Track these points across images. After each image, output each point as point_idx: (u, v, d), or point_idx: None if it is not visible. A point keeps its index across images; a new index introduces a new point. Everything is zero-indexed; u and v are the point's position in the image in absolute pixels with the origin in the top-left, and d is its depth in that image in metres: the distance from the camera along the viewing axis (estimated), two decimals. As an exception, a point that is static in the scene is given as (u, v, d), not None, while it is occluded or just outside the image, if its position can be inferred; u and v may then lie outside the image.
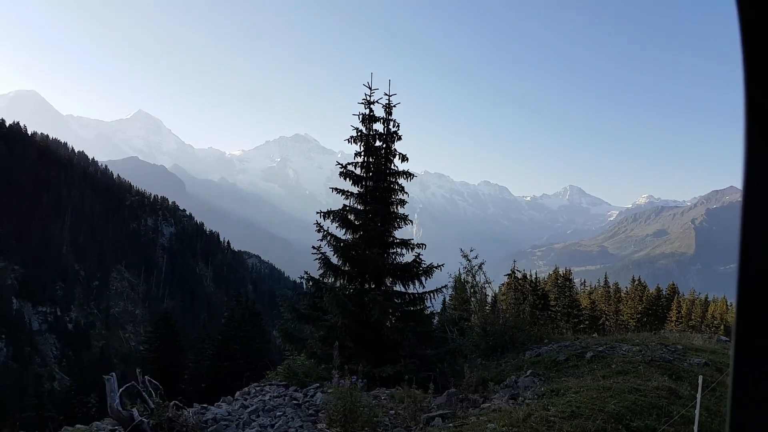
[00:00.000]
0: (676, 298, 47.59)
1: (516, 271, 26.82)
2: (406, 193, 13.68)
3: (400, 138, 13.63)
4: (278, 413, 7.97)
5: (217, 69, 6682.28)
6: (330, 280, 13.23)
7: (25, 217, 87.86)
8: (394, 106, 13.62)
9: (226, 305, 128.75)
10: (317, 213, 13.38)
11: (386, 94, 13.51)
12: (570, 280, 39.54)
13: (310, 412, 8.15)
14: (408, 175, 13.66)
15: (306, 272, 13.69)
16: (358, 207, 13.51)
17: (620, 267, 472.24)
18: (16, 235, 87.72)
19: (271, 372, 13.81)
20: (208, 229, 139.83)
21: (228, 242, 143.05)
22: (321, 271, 13.25)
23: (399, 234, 13.88)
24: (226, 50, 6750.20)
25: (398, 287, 13.48)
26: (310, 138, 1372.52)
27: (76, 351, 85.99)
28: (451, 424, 6.42)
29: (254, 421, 7.54)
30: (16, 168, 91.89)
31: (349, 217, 13.47)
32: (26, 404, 56.57)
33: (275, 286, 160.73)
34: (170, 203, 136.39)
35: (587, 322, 36.25)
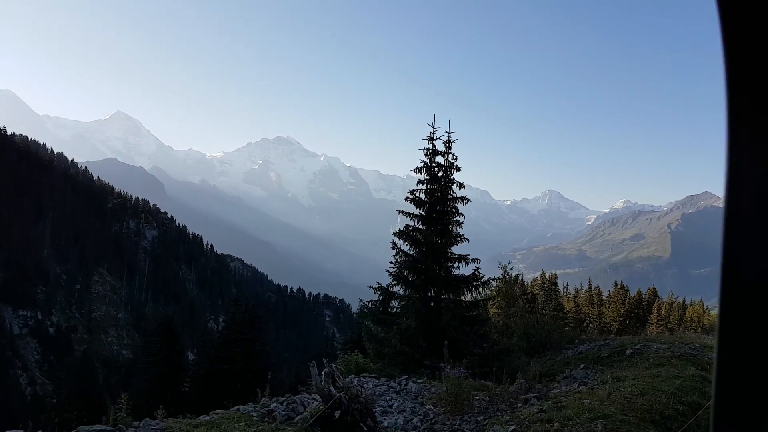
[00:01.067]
0: (656, 301, 49.25)
1: (506, 275, 28.12)
2: (462, 215, 16.00)
3: (458, 169, 15.87)
4: (387, 398, 9.39)
5: (198, 70, 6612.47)
6: (401, 290, 15.43)
7: (6, 220, 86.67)
8: (453, 142, 15.77)
9: (210, 309, 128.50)
10: (393, 234, 15.81)
11: (446, 132, 15.74)
12: (555, 284, 40.96)
13: (411, 397, 9.57)
14: (464, 200, 15.99)
15: (378, 282, 15.83)
16: (421, 227, 15.69)
17: (598, 270, 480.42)
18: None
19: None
20: (191, 233, 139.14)
21: (211, 246, 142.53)
22: (392, 280, 15.54)
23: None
24: (207, 51, 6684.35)
25: (455, 295, 15.79)
26: (293, 140, 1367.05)
27: (57, 355, 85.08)
28: (549, 402, 7.73)
29: (376, 401, 9.01)
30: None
31: (413, 235, 15.62)
32: (12, 408, 56.38)
33: (259, 289, 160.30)
34: (152, 206, 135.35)
35: (572, 325, 37.55)
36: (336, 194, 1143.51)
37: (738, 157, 0.90)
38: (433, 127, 15.51)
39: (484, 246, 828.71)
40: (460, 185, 15.92)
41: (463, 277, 15.54)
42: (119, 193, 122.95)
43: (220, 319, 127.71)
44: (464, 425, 7.31)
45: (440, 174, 15.73)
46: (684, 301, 57.75)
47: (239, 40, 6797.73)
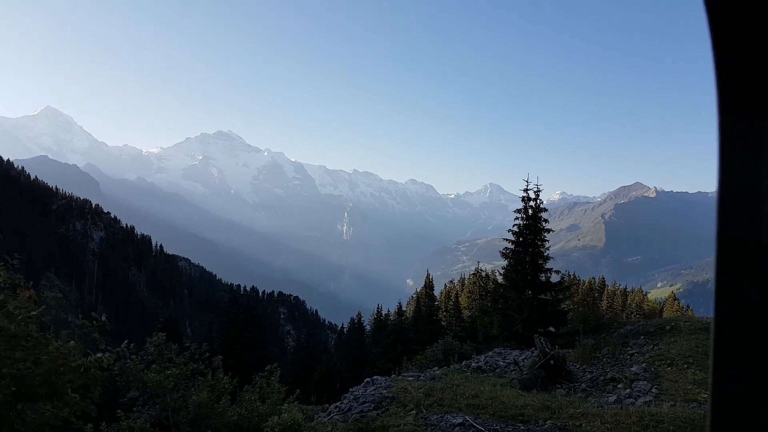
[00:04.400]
0: (606, 290, 55.02)
1: (480, 271, 32.92)
2: (548, 240, 24.80)
3: (545, 210, 25.88)
4: (498, 362, 14.73)
5: (130, 63, 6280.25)
6: (508, 293, 24.32)
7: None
8: (539, 191, 25.39)
9: (162, 311, 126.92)
10: (501, 252, 25.46)
11: (536, 185, 25.42)
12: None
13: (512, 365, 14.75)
14: (547, 230, 25.03)
15: (492, 287, 27.27)
16: (518, 249, 24.38)
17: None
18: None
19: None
20: (138, 233, 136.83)
21: (160, 246, 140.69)
22: (504, 282, 25.20)
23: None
24: (138, 43, 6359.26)
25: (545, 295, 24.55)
26: (234, 135, 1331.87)
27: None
28: (646, 353, 13.02)
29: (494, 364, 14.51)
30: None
31: (510, 254, 25.09)
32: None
33: (210, 289, 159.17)
34: (94, 205, 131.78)
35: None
36: (281, 190, 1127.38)
37: (730, 151, 0.92)
38: (527, 182, 25.01)
39: (429, 239, 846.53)
40: (546, 221, 25.31)
41: (549, 283, 23.99)
42: (64, 194, 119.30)
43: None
44: (594, 369, 12.92)
45: (531, 213, 24.45)
46: (625, 289, 64.23)
47: (172, 32, 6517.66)
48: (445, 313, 44.16)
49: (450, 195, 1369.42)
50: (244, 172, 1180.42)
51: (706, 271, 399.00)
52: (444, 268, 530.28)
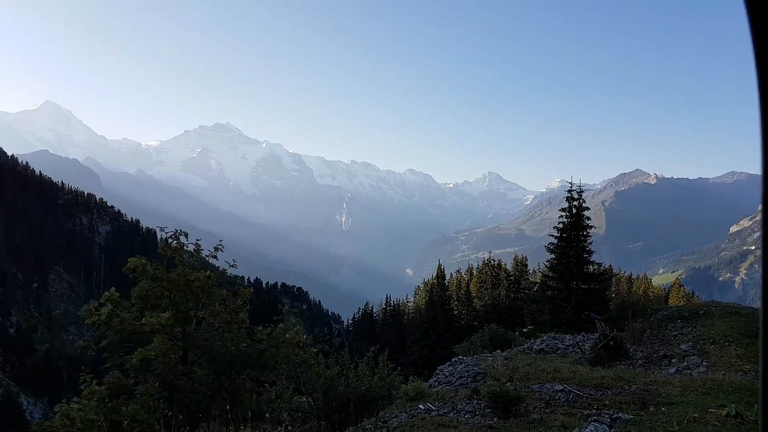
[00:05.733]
0: (614, 277, 55.85)
1: (491, 260, 33.97)
2: (590, 235, 27.18)
3: (587, 209, 28.25)
4: (558, 345, 16.17)
5: (128, 55, 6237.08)
6: (553, 283, 27.60)
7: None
8: (582, 191, 28.29)
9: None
10: (546, 247, 28.62)
11: (579, 186, 28.12)
12: (526, 266, 47.09)
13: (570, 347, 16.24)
14: (590, 227, 27.73)
15: (540, 279, 29.80)
16: (563, 244, 27.32)
17: (537, 248, 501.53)
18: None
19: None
20: (144, 227, 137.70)
21: (166, 239, 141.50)
22: (548, 273, 28.72)
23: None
24: (137, 34, 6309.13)
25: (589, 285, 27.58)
26: (233, 127, 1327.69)
27: (19, 356, 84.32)
28: (687, 333, 14.29)
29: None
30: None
31: (555, 249, 28.12)
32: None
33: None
34: (99, 200, 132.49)
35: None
36: (280, 181, 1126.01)
37: None
38: (571, 183, 28.01)
39: (428, 229, 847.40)
40: (588, 218, 28.16)
41: (594, 274, 27.58)
42: (70, 189, 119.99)
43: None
44: (644, 348, 14.66)
45: (575, 211, 27.30)
46: (630, 276, 64.97)
47: (170, 25, 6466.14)
48: (456, 302, 45.19)
49: (448, 184, 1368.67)
50: (242, 164, 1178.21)
51: (707, 258, 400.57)
52: (443, 257, 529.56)
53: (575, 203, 27.74)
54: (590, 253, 27.33)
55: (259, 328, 9.61)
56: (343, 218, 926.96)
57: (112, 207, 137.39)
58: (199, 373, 8.58)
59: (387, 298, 61.16)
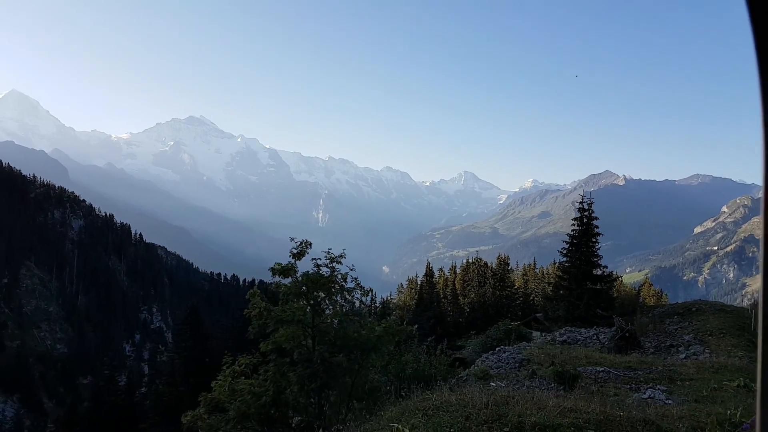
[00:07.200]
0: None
1: (478, 259, 35.49)
2: (598, 242, 30.48)
3: (596, 218, 31.98)
4: (577, 337, 17.95)
5: (97, 44, 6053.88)
6: (565, 283, 30.63)
7: None
8: (592, 202, 32.31)
9: (142, 300, 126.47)
10: (560, 251, 31.95)
11: (589, 198, 32.22)
12: (507, 264, 48.42)
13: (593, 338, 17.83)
14: (598, 234, 31.03)
15: (555, 279, 32.23)
16: (573, 249, 30.49)
17: (510, 246, 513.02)
18: None
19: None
20: (118, 222, 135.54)
21: (140, 235, 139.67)
22: (561, 274, 31.76)
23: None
24: (107, 24, 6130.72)
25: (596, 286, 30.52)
26: (207, 121, 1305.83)
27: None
28: (686, 327, 16.29)
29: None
30: None
31: (567, 253, 31.83)
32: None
33: (189, 277, 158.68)
34: (70, 193, 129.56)
35: (521, 299, 44.47)
36: (255, 177, 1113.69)
37: None
38: (583, 196, 31.19)
39: (405, 227, 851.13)
40: (596, 226, 31.68)
41: (601, 275, 30.80)
42: (42, 182, 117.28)
43: (154, 309, 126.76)
44: (651, 339, 16.70)
45: (585, 221, 31.02)
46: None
47: (143, 13, 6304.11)
48: (443, 300, 46.63)
49: (425, 182, 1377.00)
50: (216, 158, 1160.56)
51: (672, 257, 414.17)
52: (419, 255, 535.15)
53: (586, 213, 31.55)
54: (598, 257, 31.00)
55: (370, 319, 12.50)
56: (320, 215, 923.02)
57: (84, 201, 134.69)
58: (326, 354, 11.16)
59: (372, 296, 62.31)
